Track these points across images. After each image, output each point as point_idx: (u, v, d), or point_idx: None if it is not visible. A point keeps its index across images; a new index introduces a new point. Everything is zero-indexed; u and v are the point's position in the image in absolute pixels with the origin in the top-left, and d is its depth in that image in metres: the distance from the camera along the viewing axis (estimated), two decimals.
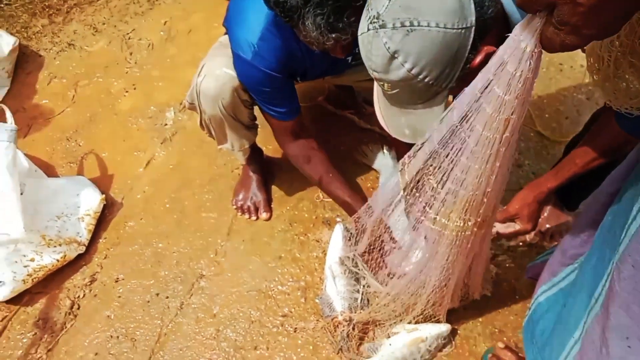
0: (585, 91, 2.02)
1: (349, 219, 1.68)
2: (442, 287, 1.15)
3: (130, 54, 2.36)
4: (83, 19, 2.54)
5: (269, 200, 1.78)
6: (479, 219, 0.91)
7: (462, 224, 0.92)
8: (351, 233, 1.55)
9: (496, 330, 1.45)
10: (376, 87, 1.05)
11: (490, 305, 1.49)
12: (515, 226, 1.34)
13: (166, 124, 2.07)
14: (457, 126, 0.79)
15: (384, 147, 1.86)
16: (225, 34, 1.53)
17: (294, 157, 1.54)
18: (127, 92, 2.21)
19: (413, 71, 0.87)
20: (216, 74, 1.38)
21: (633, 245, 0.72)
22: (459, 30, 0.84)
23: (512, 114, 0.72)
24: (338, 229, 1.54)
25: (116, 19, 2.53)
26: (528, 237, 1.61)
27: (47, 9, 2.58)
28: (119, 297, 1.60)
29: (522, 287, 1.51)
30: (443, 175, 0.88)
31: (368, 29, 0.89)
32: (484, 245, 1.12)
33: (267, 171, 1.82)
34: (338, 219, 1.71)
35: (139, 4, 2.59)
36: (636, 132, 1.07)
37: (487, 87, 0.71)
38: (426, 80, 0.88)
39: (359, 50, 1.48)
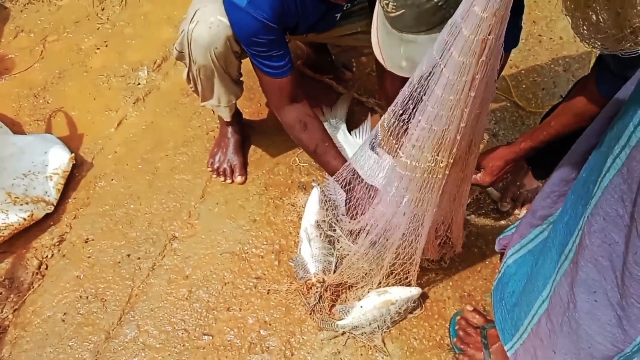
0: (562, 63, 2.04)
1: (325, 184, 1.68)
2: (413, 238, 1.15)
3: (102, 9, 2.26)
4: None
5: (244, 164, 1.75)
6: (450, 160, 0.89)
7: (433, 164, 0.90)
8: (328, 197, 1.55)
9: (465, 293, 1.48)
10: (376, 13, 1.01)
11: (460, 270, 1.52)
12: (476, 177, 1.35)
13: (139, 84, 2.00)
14: (435, 58, 0.76)
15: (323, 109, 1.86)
16: None
17: (289, 125, 1.49)
18: (98, 49, 2.12)
19: None
20: (210, 21, 1.32)
21: (605, 197, 0.73)
22: None
23: (489, 34, 0.70)
24: (315, 192, 1.53)
25: None
26: (500, 205, 1.64)
27: None
28: (89, 257, 1.58)
29: (492, 252, 1.54)
30: (417, 113, 0.85)
31: None
32: (462, 191, 1.11)
33: (244, 134, 1.79)
34: (314, 183, 1.70)
35: None
36: (612, 93, 1.08)
37: (468, 10, 0.69)
38: (435, 0, 0.85)
39: (346, 7, 1.46)
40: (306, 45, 1.96)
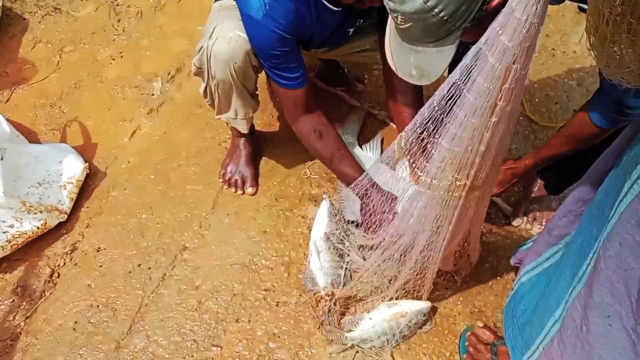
0: (576, 77, 2.02)
1: (336, 196, 1.68)
2: (429, 254, 1.15)
3: (118, 21, 2.30)
4: None
5: (256, 175, 1.76)
6: (469, 182, 0.90)
7: (451, 184, 0.91)
8: (337, 209, 1.55)
9: (476, 309, 1.46)
10: (389, 23, 1.04)
11: (471, 285, 1.50)
12: None
13: (153, 94, 2.03)
14: (457, 82, 0.78)
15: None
16: (216, 0, 1.51)
17: (305, 135, 1.51)
18: (113, 60, 2.16)
19: (429, 3, 0.86)
20: (229, 37, 1.34)
21: (622, 222, 0.72)
22: None
23: (513, 62, 0.72)
24: (324, 205, 1.54)
25: None
26: (512, 220, 1.62)
27: None
28: (100, 266, 1.59)
29: (504, 268, 1.52)
30: (439, 135, 0.87)
31: None
32: (480, 210, 1.12)
33: (256, 146, 1.80)
34: (324, 195, 1.70)
35: None
36: (603, 123, 1.12)
37: (493, 38, 0.70)
38: (441, 14, 0.87)
39: (360, 23, 1.48)
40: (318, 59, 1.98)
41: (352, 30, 1.51)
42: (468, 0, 0.85)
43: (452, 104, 0.82)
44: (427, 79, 1.01)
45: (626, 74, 0.64)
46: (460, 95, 0.80)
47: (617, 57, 0.62)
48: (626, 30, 0.58)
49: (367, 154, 1.80)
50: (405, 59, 1.02)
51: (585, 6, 0.85)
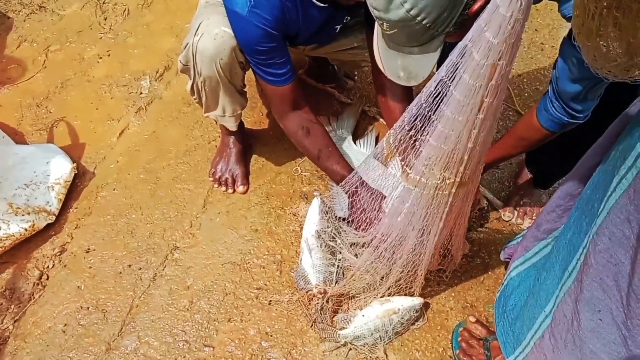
0: None
1: (327, 193, 1.68)
2: (419, 250, 1.15)
3: (105, 19, 2.28)
4: None
5: (246, 173, 1.75)
6: (457, 179, 0.91)
7: (440, 182, 0.92)
8: (328, 207, 1.54)
9: (468, 304, 1.47)
10: (377, 26, 1.06)
11: (463, 280, 1.51)
12: None
13: (141, 93, 2.01)
14: (444, 79, 0.78)
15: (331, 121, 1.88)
16: None
17: (292, 131, 1.51)
18: (100, 58, 2.13)
19: (412, 12, 0.89)
20: (214, 33, 1.33)
21: (611, 217, 0.73)
22: None
23: (499, 59, 0.72)
24: (315, 203, 1.53)
25: None
26: (502, 215, 1.63)
27: None
28: (90, 268, 1.57)
29: (495, 263, 1.53)
30: (427, 133, 0.87)
31: None
32: (465, 206, 1.13)
33: (246, 143, 1.79)
34: (315, 193, 1.70)
35: None
36: (551, 127, 1.17)
37: (479, 35, 0.71)
38: (424, 22, 0.90)
39: (346, 20, 1.47)
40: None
41: (339, 27, 1.50)
42: (449, 7, 0.89)
43: (439, 101, 0.83)
44: (415, 80, 1.05)
45: (613, 68, 0.64)
46: (447, 93, 0.80)
47: (604, 50, 0.62)
48: (612, 24, 0.58)
49: (360, 150, 1.80)
50: (393, 62, 1.05)
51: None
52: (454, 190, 0.93)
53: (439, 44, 0.96)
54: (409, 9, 0.89)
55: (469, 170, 0.90)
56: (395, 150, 0.96)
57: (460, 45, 0.76)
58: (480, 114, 0.79)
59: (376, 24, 1.04)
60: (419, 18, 0.90)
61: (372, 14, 0.98)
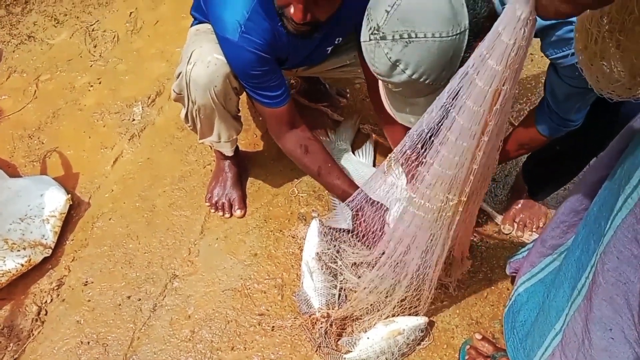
0: None
1: (325, 214, 1.67)
2: (423, 271, 1.15)
3: (95, 46, 2.27)
4: (43, 10, 2.43)
5: (243, 197, 1.74)
6: (463, 198, 0.91)
7: (444, 204, 0.92)
8: (327, 228, 1.53)
9: (473, 321, 1.45)
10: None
11: (467, 296, 1.50)
12: None
13: (134, 120, 2.00)
14: (447, 105, 0.79)
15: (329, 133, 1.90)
16: (195, 23, 1.49)
17: (291, 150, 1.51)
18: (91, 86, 2.12)
19: (414, 76, 0.94)
20: (207, 61, 1.33)
21: (618, 236, 0.73)
22: (454, 37, 0.90)
23: (502, 85, 0.72)
24: (314, 225, 1.52)
25: (78, 10, 2.42)
26: (502, 228, 1.62)
27: None
28: (89, 301, 1.55)
29: (498, 277, 1.52)
30: (429, 157, 0.88)
31: (370, 39, 0.96)
32: (470, 221, 1.13)
33: (241, 167, 1.78)
34: (314, 214, 1.69)
35: None
36: (551, 134, 1.22)
37: (481, 62, 0.71)
38: (427, 82, 0.95)
39: (338, 41, 1.48)
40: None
41: (330, 48, 1.51)
42: (448, 65, 0.93)
43: (440, 125, 0.83)
44: None
45: (616, 88, 0.64)
46: (448, 117, 0.81)
47: (607, 72, 0.63)
48: (615, 46, 0.59)
49: (360, 159, 1.80)
50: (402, 109, 1.10)
51: None
52: (460, 209, 0.94)
53: None
54: (411, 74, 0.94)
55: (473, 188, 0.91)
56: (398, 173, 0.97)
57: (461, 71, 0.77)
58: (484, 137, 0.79)
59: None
60: (421, 80, 0.94)
61: (376, 77, 1.02)
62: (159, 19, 2.37)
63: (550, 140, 1.26)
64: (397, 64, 0.93)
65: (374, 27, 0.94)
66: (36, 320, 1.52)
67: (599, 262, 0.77)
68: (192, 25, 1.50)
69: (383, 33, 0.92)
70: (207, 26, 1.42)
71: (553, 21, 0.90)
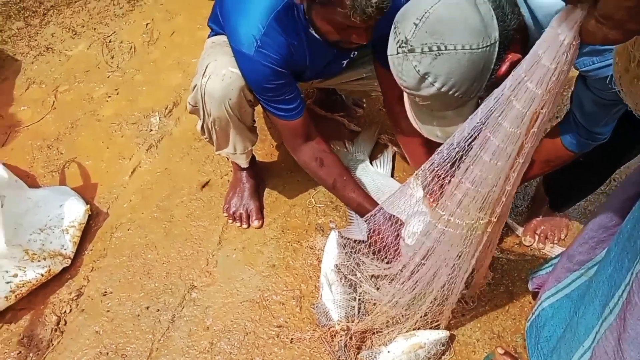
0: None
1: (343, 225, 1.66)
2: (449, 287, 1.14)
3: (112, 57, 2.29)
4: (61, 22, 2.46)
5: (261, 208, 1.74)
6: (493, 219, 0.90)
7: (474, 222, 0.91)
8: (346, 240, 1.52)
9: (495, 335, 1.44)
10: (406, 94, 1.09)
11: (488, 310, 1.48)
12: None
13: (151, 130, 2.01)
14: (479, 125, 0.78)
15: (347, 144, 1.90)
16: (212, 34, 1.50)
17: (307, 163, 1.51)
18: (109, 97, 2.14)
19: (443, 89, 0.93)
20: (222, 74, 1.34)
21: None
22: (484, 49, 0.89)
23: (541, 108, 0.72)
24: (333, 236, 1.51)
25: (95, 22, 2.45)
26: (523, 240, 1.61)
27: (22, 11, 2.49)
28: (108, 311, 1.55)
29: (519, 290, 1.50)
30: (461, 176, 0.87)
31: (397, 52, 0.95)
32: (495, 238, 1.12)
33: (258, 177, 1.78)
34: (332, 225, 1.68)
35: (119, 5, 2.52)
36: (579, 149, 1.20)
37: (518, 84, 0.71)
38: (456, 94, 0.94)
39: (353, 55, 1.48)
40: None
41: (345, 62, 1.51)
42: (478, 77, 0.92)
43: (472, 144, 0.82)
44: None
45: None
46: (481, 137, 0.80)
47: None
48: None
49: (377, 170, 1.80)
50: (428, 124, 1.09)
51: None
52: (489, 230, 0.92)
53: (474, 106, 0.99)
54: (440, 86, 0.93)
55: (505, 208, 0.90)
56: (426, 192, 0.96)
57: (496, 92, 0.76)
58: (519, 159, 0.79)
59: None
60: (450, 92, 0.93)
61: (404, 90, 1.01)
62: (175, 30, 2.39)
63: (577, 156, 1.23)
64: (426, 76, 0.93)
65: (402, 40, 0.93)
66: (55, 330, 1.52)
67: (635, 281, 0.75)
68: (209, 37, 1.51)
69: (411, 46, 0.92)
70: (223, 38, 1.42)
71: None
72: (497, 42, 0.90)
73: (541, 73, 0.67)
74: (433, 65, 0.91)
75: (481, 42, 0.88)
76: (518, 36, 0.93)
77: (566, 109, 1.91)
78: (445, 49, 0.89)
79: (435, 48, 0.89)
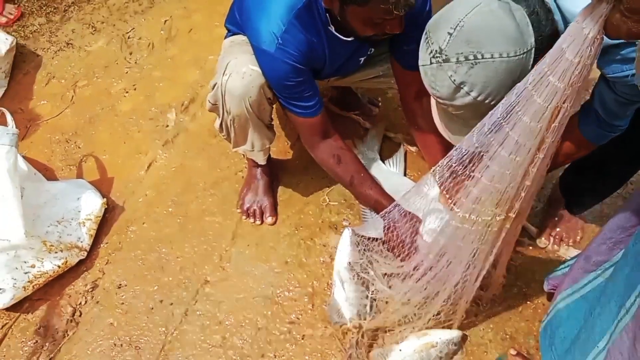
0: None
1: (357, 223, 1.66)
2: (462, 286, 1.13)
3: (130, 53, 2.32)
4: (81, 18, 2.49)
5: (275, 204, 1.75)
6: (511, 214, 0.89)
7: (491, 219, 0.90)
8: (359, 238, 1.52)
9: (507, 336, 1.43)
10: (434, 101, 1.07)
11: (501, 311, 1.47)
12: None
13: (168, 126, 2.03)
14: (500, 121, 0.78)
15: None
16: (229, 35, 1.51)
17: (324, 160, 1.51)
18: (127, 92, 2.17)
19: (479, 98, 0.92)
20: (242, 72, 1.35)
21: None
22: (521, 56, 0.88)
23: (563, 102, 0.71)
24: (346, 234, 1.51)
25: (115, 18, 2.48)
26: (538, 241, 1.59)
27: (44, 7, 2.53)
28: (122, 303, 1.57)
29: (533, 292, 1.49)
30: (478, 172, 0.87)
31: (431, 62, 0.93)
32: (513, 237, 1.11)
33: (273, 174, 1.79)
34: (345, 223, 1.69)
35: (138, 2, 2.55)
36: (600, 141, 1.16)
37: (541, 78, 0.70)
38: (492, 103, 0.92)
39: (370, 52, 1.48)
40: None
41: (363, 59, 1.51)
42: (514, 84, 0.89)
43: (492, 140, 0.82)
44: None
45: None
46: (500, 132, 0.79)
47: None
48: None
49: (389, 169, 1.79)
50: (459, 133, 1.06)
51: None
52: (507, 226, 0.92)
53: None
54: (476, 96, 0.91)
55: (524, 204, 0.89)
56: (442, 189, 0.95)
57: (518, 87, 0.75)
58: (539, 154, 0.78)
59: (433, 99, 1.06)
60: (486, 101, 0.92)
61: (436, 100, 0.99)
62: (193, 27, 2.41)
63: (596, 147, 1.21)
64: (462, 86, 0.91)
65: (436, 50, 0.92)
66: (71, 321, 1.54)
67: None
68: (226, 37, 1.52)
69: (446, 55, 0.91)
70: (241, 37, 1.44)
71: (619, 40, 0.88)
72: (533, 49, 0.88)
73: (564, 67, 0.67)
74: (469, 75, 0.90)
75: (518, 49, 0.87)
76: (551, 42, 0.92)
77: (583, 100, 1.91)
78: (482, 58, 0.87)
79: (471, 57, 0.88)
